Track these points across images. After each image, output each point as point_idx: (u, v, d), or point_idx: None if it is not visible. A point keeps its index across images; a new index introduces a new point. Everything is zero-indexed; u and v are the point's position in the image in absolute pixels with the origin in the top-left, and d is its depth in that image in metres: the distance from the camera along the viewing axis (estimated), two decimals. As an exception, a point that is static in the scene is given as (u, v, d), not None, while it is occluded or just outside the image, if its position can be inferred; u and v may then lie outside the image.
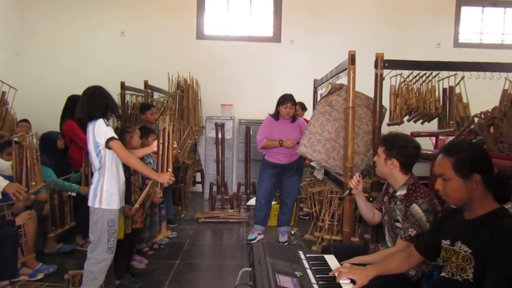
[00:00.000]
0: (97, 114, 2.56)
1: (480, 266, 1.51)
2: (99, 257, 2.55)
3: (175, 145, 2.91)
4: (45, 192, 3.53)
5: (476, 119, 3.01)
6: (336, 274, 1.76)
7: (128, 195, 3.04)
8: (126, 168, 3.00)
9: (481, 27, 7.34)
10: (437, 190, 1.70)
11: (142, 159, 3.07)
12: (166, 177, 2.66)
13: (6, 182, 2.75)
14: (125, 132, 3.14)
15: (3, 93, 2.90)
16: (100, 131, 2.51)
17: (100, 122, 2.54)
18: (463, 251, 1.58)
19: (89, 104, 2.58)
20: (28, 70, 6.62)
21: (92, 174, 2.72)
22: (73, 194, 3.72)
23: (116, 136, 2.54)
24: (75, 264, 3.45)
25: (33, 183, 2.87)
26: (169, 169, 2.74)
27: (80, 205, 3.53)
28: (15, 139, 2.90)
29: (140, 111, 4.81)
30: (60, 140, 3.98)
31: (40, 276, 3.21)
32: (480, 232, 1.54)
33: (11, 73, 5.90)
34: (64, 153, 4.09)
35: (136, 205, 3.07)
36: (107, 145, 2.50)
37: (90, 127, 2.57)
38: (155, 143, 2.80)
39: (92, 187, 2.58)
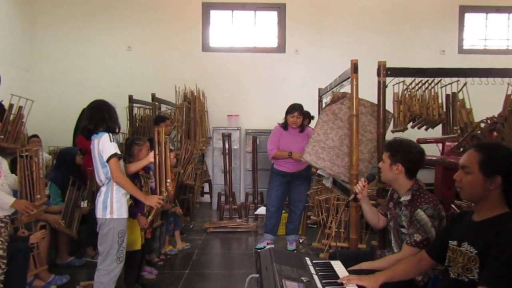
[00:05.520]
0: (100, 127, 2.60)
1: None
2: (109, 267, 2.57)
3: (172, 156, 2.89)
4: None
5: (482, 125, 3.02)
6: (345, 282, 1.78)
7: (141, 207, 3.07)
8: (137, 180, 3.04)
9: (485, 33, 7.36)
10: (453, 181, 1.70)
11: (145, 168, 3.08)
12: (154, 200, 2.68)
13: (13, 199, 2.71)
14: (134, 144, 3.14)
15: (20, 107, 2.90)
16: (104, 145, 2.53)
17: (105, 136, 2.56)
18: (469, 252, 1.59)
19: (93, 117, 2.62)
20: (37, 86, 6.74)
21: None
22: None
23: (119, 153, 2.55)
24: (87, 275, 3.50)
25: (38, 196, 2.85)
26: (168, 180, 2.75)
27: (90, 217, 3.57)
28: (26, 153, 2.93)
29: (155, 122, 4.79)
30: (79, 156, 3.97)
31: (53, 288, 3.25)
32: (486, 233, 1.55)
33: (20, 90, 5.91)
34: (82, 169, 4.09)
35: (150, 217, 3.08)
36: (107, 161, 2.52)
37: (95, 141, 2.59)
38: (152, 153, 2.79)
39: (101, 199, 2.59)
